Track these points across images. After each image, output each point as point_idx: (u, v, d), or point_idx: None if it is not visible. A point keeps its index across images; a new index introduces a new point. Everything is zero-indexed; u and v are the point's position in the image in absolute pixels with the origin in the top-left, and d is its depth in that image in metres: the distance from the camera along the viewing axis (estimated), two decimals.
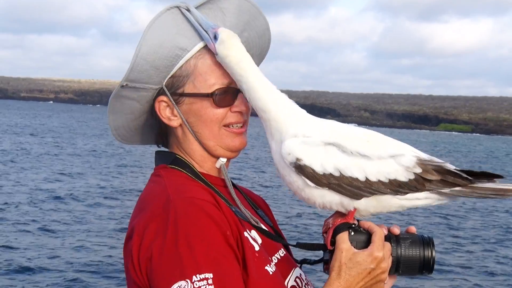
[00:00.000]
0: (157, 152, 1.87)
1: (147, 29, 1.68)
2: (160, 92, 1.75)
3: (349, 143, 1.68)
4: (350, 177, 1.67)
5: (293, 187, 1.74)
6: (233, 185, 1.86)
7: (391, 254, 1.72)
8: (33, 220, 12.78)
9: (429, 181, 1.69)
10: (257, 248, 1.69)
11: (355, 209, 1.72)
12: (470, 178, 1.71)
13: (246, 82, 1.70)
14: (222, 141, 1.77)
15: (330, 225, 1.76)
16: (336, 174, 1.66)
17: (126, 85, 1.72)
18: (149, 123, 1.87)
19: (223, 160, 1.80)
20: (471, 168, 1.78)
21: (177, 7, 1.71)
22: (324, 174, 1.66)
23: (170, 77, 1.73)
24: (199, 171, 1.77)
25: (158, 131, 1.86)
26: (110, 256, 10.29)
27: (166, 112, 1.76)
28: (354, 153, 1.67)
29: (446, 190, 1.72)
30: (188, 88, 1.73)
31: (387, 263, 1.69)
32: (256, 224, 1.75)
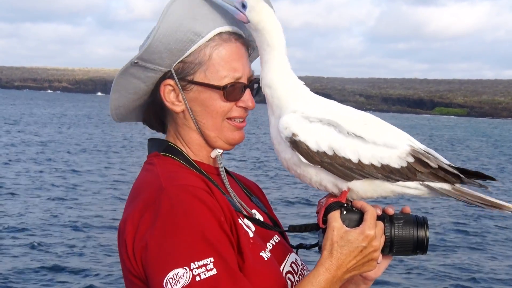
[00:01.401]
0: (149, 140, 1.87)
1: (165, 11, 1.67)
2: (168, 75, 1.74)
3: (346, 124, 1.69)
4: (343, 158, 1.68)
5: (289, 163, 1.75)
6: (227, 172, 1.87)
7: (385, 234, 1.73)
8: (33, 211, 12.81)
9: (420, 172, 1.71)
10: (251, 234, 1.69)
11: (348, 189, 1.73)
12: (461, 176, 1.72)
13: (269, 53, 1.73)
14: (223, 133, 1.78)
15: (323, 205, 1.76)
16: (330, 153, 1.68)
17: (137, 63, 1.70)
18: (146, 102, 1.85)
19: (219, 151, 1.80)
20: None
21: None
22: (317, 152, 1.67)
23: (180, 62, 1.72)
24: (192, 159, 1.77)
25: (151, 111, 1.86)
26: (106, 245, 10.31)
27: (171, 96, 1.75)
28: (350, 134, 1.68)
29: (436, 187, 1.74)
30: (198, 77, 1.73)
31: (378, 242, 1.69)
32: (247, 214, 1.76)
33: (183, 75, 1.73)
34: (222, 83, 1.72)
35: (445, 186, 1.74)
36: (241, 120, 1.80)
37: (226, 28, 1.75)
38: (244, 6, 1.71)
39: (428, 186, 1.75)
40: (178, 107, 1.76)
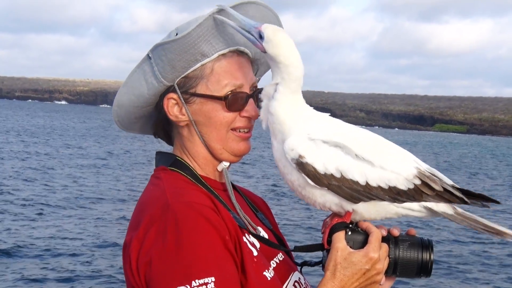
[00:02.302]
0: (157, 153, 1.86)
1: (185, 31, 1.66)
2: (171, 89, 1.74)
3: (353, 146, 1.67)
4: (351, 180, 1.65)
5: (294, 185, 1.72)
6: (233, 186, 1.86)
7: (389, 256, 1.71)
8: (33, 221, 12.76)
9: (426, 193, 1.70)
10: (255, 253, 1.68)
11: (353, 210, 1.71)
12: (465, 199, 1.71)
13: (282, 85, 1.68)
14: (228, 144, 1.76)
15: (328, 225, 1.74)
16: (337, 175, 1.65)
17: (150, 57, 1.71)
18: (152, 115, 1.85)
19: (225, 164, 1.79)
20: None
21: (213, 14, 1.67)
22: (325, 174, 1.65)
23: (183, 77, 1.72)
24: (199, 174, 1.76)
25: (159, 126, 1.85)
26: (111, 260, 10.26)
27: (174, 110, 1.75)
28: (358, 156, 1.66)
29: (439, 210, 1.73)
30: (200, 89, 1.73)
31: (382, 265, 1.68)
32: (253, 231, 1.74)
33: (186, 89, 1.73)
34: (223, 92, 1.72)
35: (448, 210, 1.73)
36: (246, 130, 1.79)
37: (232, 48, 1.74)
38: (261, 36, 1.66)
39: (430, 209, 1.73)
40: (182, 121, 1.75)
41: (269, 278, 1.66)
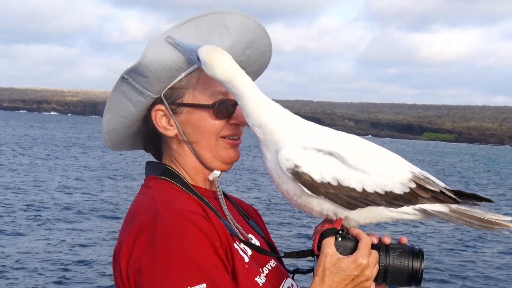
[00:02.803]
0: (147, 163, 1.85)
1: (158, 38, 1.66)
2: (158, 101, 1.74)
3: (347, 153, 1.67)
4: (348, 187, 1.65)
5: (289, 194, 1.72)
6: (224, 195, 1.85)
7: (379, 263, 1.71)
8: (24, 232, 12.66)
9: (422, 196, 1.70)
10: (246, 259, 1.68)
11: (345, 216, 1.71)
12: (458, 199, 1.72)
13: (240, 99, 1.67)
14: (218, 152, 1.75)
15: (318, 231, 1.74)
16: (334, 183, 1.65)
17: (126, 79, 1.69)
18: (142, 130, 1.85)
19: (216, 173, 1.78)
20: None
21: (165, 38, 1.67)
22: (322, 183, 1.65)
23: (169, 88, 1.72)
24: (189, 183, 1.75)
25: (149, 139, 1.85)
26: (103, 269, 10.21)
27: (163, 122, 1.74)
28: (353, 163, 1.66)
29: (434, 211, 1.73)
30: (187, 99, 1.72)
31: (371, 271, 1.68)
32: (243, 239, 1.74)
33: (173, 99, 1.73)
34: (210, 101, 1.72)
35: (443, 209, 1.73)
36: (235, 137, 1.78)
37: None
38: (199, 59, 1.63)
39: (425, 211, 1.74)
40: (170, 131, 1.75)
41: (260, 284, 1.66)
